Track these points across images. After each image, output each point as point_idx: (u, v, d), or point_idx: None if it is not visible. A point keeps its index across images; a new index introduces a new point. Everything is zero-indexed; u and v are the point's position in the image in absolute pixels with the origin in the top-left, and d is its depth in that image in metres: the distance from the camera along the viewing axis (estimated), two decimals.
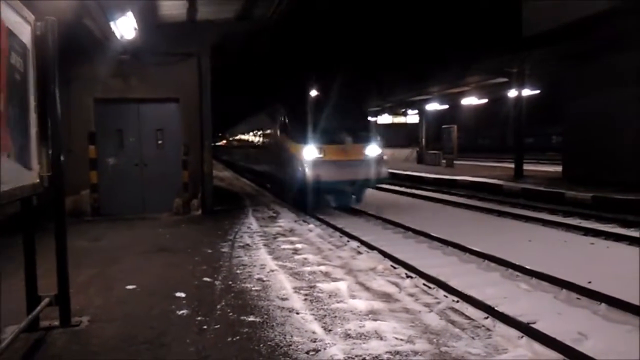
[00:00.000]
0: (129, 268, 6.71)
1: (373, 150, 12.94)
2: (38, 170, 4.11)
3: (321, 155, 12.33)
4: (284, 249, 7.90)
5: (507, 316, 5.13)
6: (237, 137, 27.83)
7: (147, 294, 5.57)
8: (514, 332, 4.79)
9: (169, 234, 9.25)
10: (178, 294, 5.44)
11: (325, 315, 4.78)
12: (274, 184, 16.07)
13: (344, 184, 12.55)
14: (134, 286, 5.80)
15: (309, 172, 12.05)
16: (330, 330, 4.40)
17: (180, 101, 11.76)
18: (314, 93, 14.52)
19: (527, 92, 21.28)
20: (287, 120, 13.75)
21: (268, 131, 16.45)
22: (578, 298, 5.89)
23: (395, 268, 7.04)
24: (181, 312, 4.92)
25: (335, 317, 4.75)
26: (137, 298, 5.43)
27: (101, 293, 5.57)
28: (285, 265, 6.80)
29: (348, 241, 8.83)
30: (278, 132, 14.35)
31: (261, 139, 18.34)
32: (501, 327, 4.91)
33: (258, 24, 12.16)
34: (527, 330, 4.78)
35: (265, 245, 8.17)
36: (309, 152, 12.35)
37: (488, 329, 4.54)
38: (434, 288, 6.22)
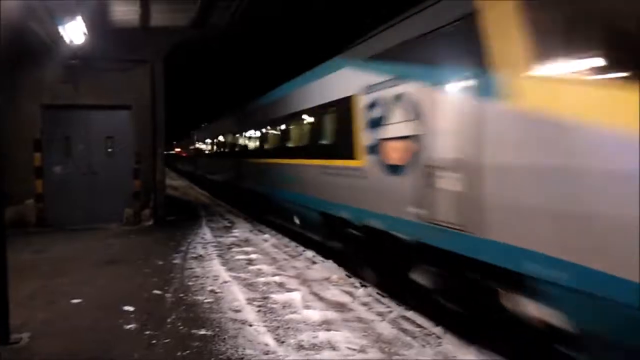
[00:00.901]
0: (76, 281, 6.45)
1: None
2: None
3: None
4: (238, 259, 7.80)
5: (456, 324, 5.22)
6: (215, 142, 20.86)
7: (94, 307, 5.36)
8: (463, 341, 4.88)
9: (118, 245, 8.96)
10: (126, 308, 5.27)
11: (278, 327, 4.75)
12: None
13: None
14: (80, 300, 5.59)
15: None
16: (283, 342, 4.37)
17: (133, 108, 11.48)
18: None
19: None
20: None
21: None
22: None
23: (349, 277, 7.07)
24: (129, 326, 4.76)
25: (289, 328, 4.73)
26: (83, 312, 5.23)
27: (44, 307, 5.32)
28: (239, 276, 6.72)
29: (303, 251, 8.81)
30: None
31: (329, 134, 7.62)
32: (451, 335, 5.00)
33: (215, 30, 12.05)
34: (473, 337, 4.88)
35: (219, 256, 8.04)
36: None
37: (438, 337, 4.62)
38: (387, 297, 6.27)
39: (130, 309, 5.26)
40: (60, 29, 8.50)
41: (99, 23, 9.61)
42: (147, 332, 4.59)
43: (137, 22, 10.61)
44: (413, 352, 4.20)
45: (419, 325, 4.92)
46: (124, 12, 10.08)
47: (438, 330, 4.88)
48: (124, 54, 11.23)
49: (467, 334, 4.62)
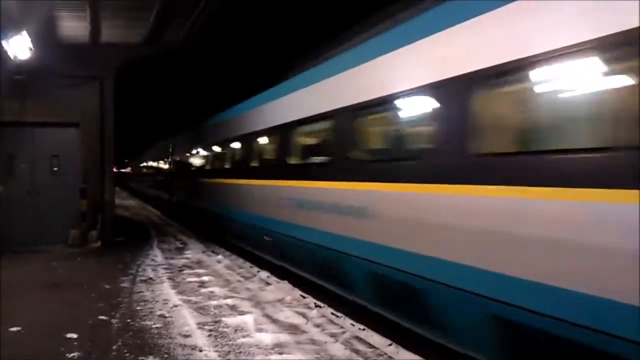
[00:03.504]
0: (15, 307, 6.10)
1: None
2: None
3: None
4: (189, 282, 7.62)
5: (410, 342, 5.26)
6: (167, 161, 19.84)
7: (35, 336, 5.09)
8: (416, 358, 4.92)
9: (63, 268, 8.57)
10: (70, 335, 5.03)
11: (229, 352, 4.64)
12: None
13: None
14: (18, 328, 5.28)
15: None
16: None
17: (81, 126, 11.12)
18: None
19: None
20: None
21: None
22: None
23: (304, 298, 7.02)
24: (72, 354, 4.54)
25: (240, 352, 4.63)
26: (22, 341, 4.95)
27: None
28: (190, 299, 6.55)
29: (258, 271, 8.70)
30: None
31: None
32: (404, 354, 5.03)
33: (169, 47, 11.90)
34: (427, 354, 4.94)
35: (169, 278, 7.83)
36: None
37: (390, 357, 4.64)
38: (341, 317, 6.26)
39: (74, 336, 5.02)
40: (4, 43, 8.20)
41: (46, 38, 9.33)
42: None
43: (87, 37, 10.36)
44: None
45: (371, 346, 4.93)
46: (73, 28, 9.83)
47: (390, 349, 4.91)
48: (73, 70, 10.91)
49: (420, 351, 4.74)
